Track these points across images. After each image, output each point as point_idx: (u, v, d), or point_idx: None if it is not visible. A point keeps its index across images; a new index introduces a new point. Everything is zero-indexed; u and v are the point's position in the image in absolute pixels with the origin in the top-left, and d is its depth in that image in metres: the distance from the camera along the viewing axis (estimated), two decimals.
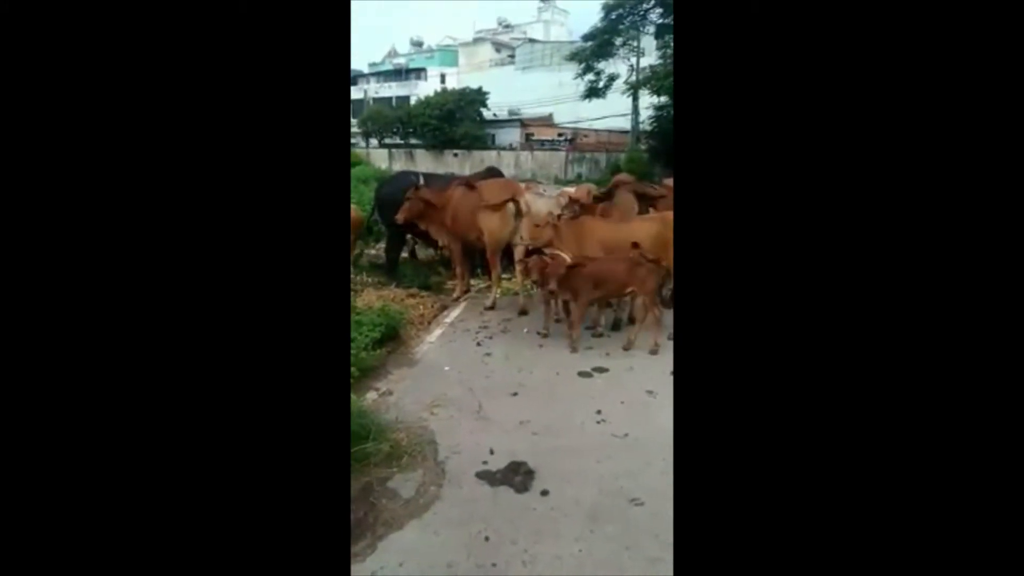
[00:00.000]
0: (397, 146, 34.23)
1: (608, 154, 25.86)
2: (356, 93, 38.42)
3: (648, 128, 23.16)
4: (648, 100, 21.81)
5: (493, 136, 32.66)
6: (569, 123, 31.19)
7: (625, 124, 24.96)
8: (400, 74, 38.71)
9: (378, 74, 40.23)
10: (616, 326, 5.23)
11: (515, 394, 3.89)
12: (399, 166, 33.21)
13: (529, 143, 30.99)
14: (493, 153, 30.80)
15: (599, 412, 3.61)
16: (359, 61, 40.99)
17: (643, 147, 23.65)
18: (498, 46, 38.49)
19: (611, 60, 22.60)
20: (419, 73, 37.98)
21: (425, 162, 32.52)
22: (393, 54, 42.27)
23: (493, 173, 7.66)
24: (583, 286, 4.44)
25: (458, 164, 31.38)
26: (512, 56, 37.05)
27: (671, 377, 4.24)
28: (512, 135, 32.45)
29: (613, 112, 25.21)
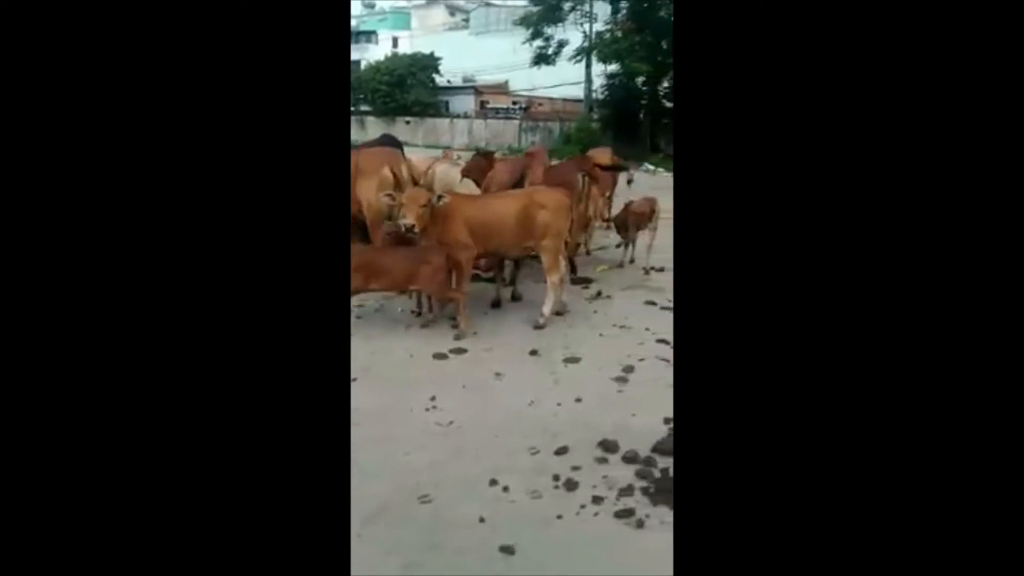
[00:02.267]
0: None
1: (562, 123, 25.46)
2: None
3: (600, 97, 22.83)
4: (601, 68, 21.43)
5: (447, 103, 31.87)
6: (525, 91, 30.59)
7: (580, 93, 24.56)
8: (351, 37, 37.34)
9: None
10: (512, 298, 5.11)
11: (355, 379, 3.67)
12: (351, 134, 32.21)
13: (483, 111, 30.34)
14: (446, 121, 30.12)
15: (433, 398, 3.42)
16: None
17: (595, 116, 23.34)
18: (452, 9, 37.33)
19: (563, 26, 22.05)
20: (369, 36, 36.63)
21: (376, 130, 31.49)
22: None
23: (387, 141, 7.30)
24: (354, 278, 4.04)
25: (410, 132, 30.55)
26: (467, 20, 35.98)
27: (527, 357, 4.10)
28: (467, 103, 31.71)
29: (568, 80, 24.77)
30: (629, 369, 3.88)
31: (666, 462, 2.81)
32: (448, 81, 32.14)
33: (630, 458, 2.84)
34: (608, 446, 2.94)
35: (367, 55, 34.05)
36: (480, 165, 6.49)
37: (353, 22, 40.19)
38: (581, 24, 22.01)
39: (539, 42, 22.22)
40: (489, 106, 30.83)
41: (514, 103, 30.63)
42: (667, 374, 3.80)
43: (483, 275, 5.48)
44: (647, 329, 4.57)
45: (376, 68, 30.99)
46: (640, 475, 2.72)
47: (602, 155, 8.53)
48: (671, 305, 5.14)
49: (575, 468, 2.77)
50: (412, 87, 30.14)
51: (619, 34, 19.78)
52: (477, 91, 31.85)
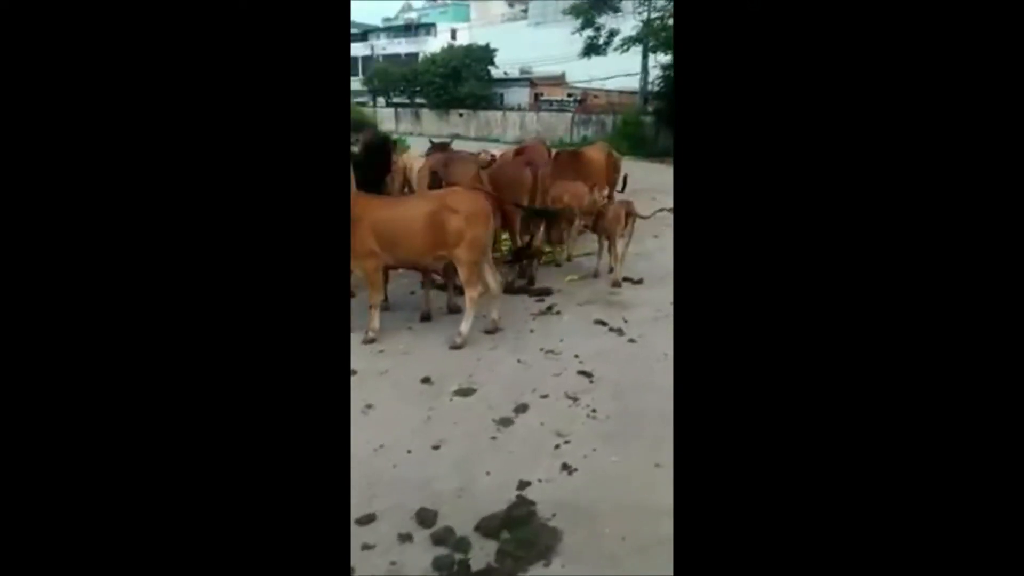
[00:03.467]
0: (403, 105, 33.38)
1: (615, 116, 24.42)
2: (365, 50, 37.52)
3: (656, 89, 21.63)
4: (658, 59, 20.24)
5: (502, 96, 31.42)
6: (581, 82, 29.64)
7: (637, 84, 23.39)
8: (410, 29, 37.46)
9: (389, 29, 39.06)
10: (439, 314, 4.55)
11: None
12: (405, 126, 32.46)
13: (537, 103, 29.69)
14: (498, 114, 29.71)
15: None
16: (374, 16, 39.89)
17: (650, 109, 22.17)
18: (512, 0, 36.71)
19: (619, 15, 20.99)
20: (429, 29, 36.63)
21: (431, 122, 31.65)
22: (407, 8, 40.92)
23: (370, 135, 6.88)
24: None
25: (463, 124, 30.42)
26: (526, 11, 35.29)
27: (417, 385, 3.55)
28: (522, 95, 31.13)
29: (625, 71, 23.68)
30: (522, 408, 3.25)
31: (484, 546, 2.20)
32: (505, 73, 31.66)
33: (439, 539, 2.25)
34: (425, 517, 2.36)
35: (425, 47, 34.12)
36: (440, 160, 5.93)
37: (414, 15, 40.50)
38: (639, 13, 20.88)
39: (590, 32, 21.27)
40: (543, 98, 30.14)
41: (569, 95, 29.74)
42: (563, 417, 3.16)
43: (437, 280, 4.97)
44: (575, 356, 3.91)
45: (432, 60, 30.95)
46: (437, 566, 2.13)
47: (596, 152, 7.80)
48: (621, 326, 4.45)
49: (366, 547, 2.21)
50: (466, 79, 29.87)
51: (671, 22, 18.57)
52: (532, 83, 31.20)
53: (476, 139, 24.20)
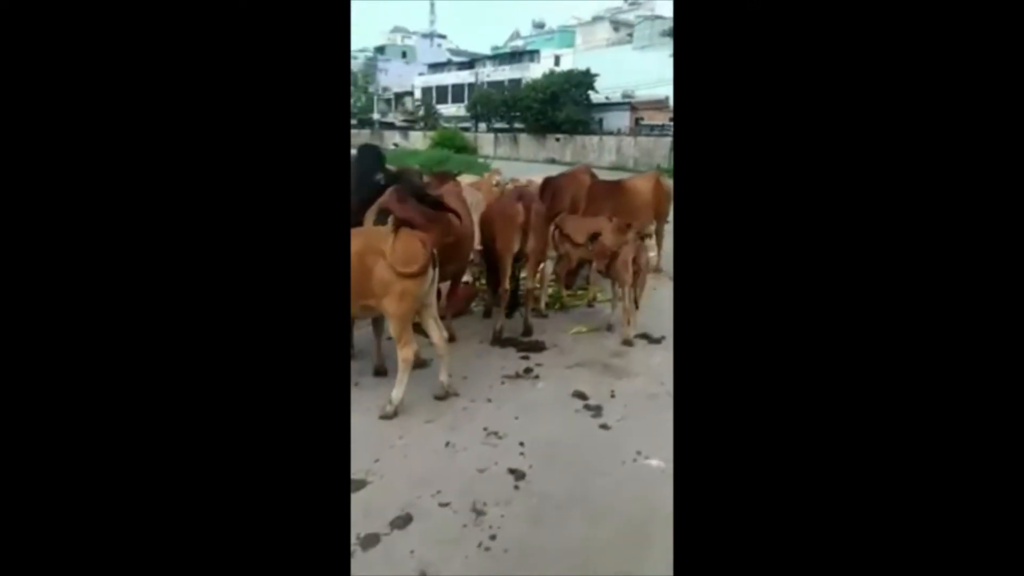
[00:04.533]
0: (503, 130, 33.61)
1: None
2: (470, 77, 38.39)
3: None
4: None
5: (601, 120, 30.67)
6: None
7: None
8: (515, 57, 37.81)
9: (494, 57, 39.72)
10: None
11: None
12: (504, 151, 32.61)
13: (637, 127, 28.60)
14: (595, 138, 28.97)
15: None
16: (483, 46, 40.88)
17: None
18: (617, 24, 35.93)
19: None
20: (533, 55, 36.76)
21: (528, 147, 31.55)
22: (515, 37, 41.49)
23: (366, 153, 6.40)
24: None
25: (559, 149, 29.99)
26: (631, 35, 34.36)
27: None
28: (622, 119, 30.20)
29: None
30: (403, 522, 2.45)
31: None
32: (606, 97, 30.96)
33: None
34: None
35: (528, 74, 34.25)
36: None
37: (520, 42, 40.98)
38: None
39: None
40: (643, 123, 29.01)
41: (671, 119, 28.36)
42: (445, 544, 2.33)
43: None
44: (520, 444, 3.05)
45: (531, 86, 30.96)
46: None
47: (643, 181, 6.79)
48: (604, 403, 3.52)
49: None
50: (564, 104, 29.50)
51: None
52: (633, 107, 30.18)
53: (571, 164, 23.60)
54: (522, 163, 25.80)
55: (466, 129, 34.84)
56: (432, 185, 5.99)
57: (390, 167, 6.36)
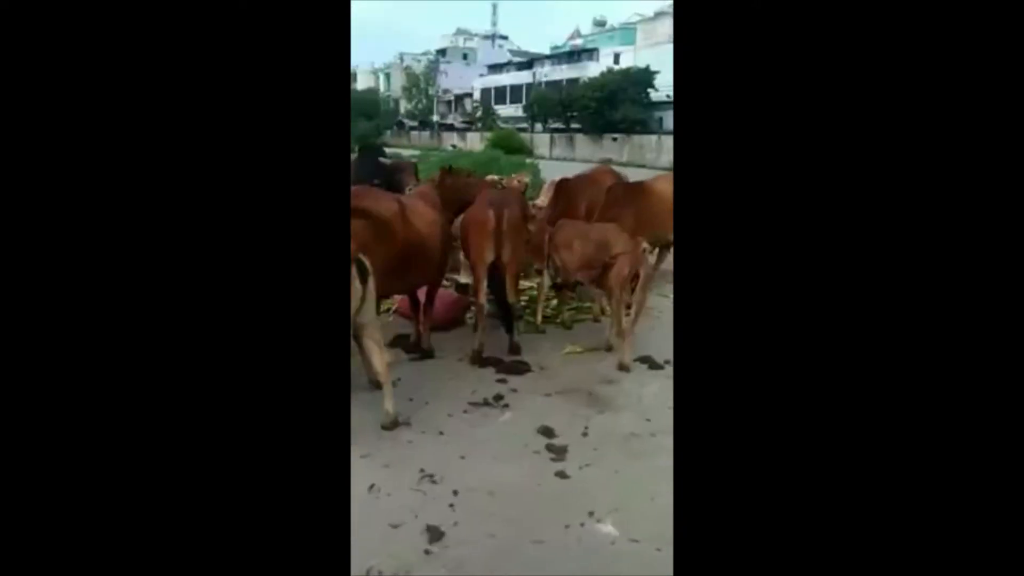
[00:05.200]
0: (559, 130, 33.04)
1: None
2: (528, 77, 37.99)
3: None
4: None
5: (661, 119, 29.56)
6: None
7: None
8: (573, 55, 37.06)
9: (552, 56, 39.10)
10: None
11: None
12: (560, 151, 32.06)
13: None
14: (654, 138, 27.95)
15: None
16: (544, 46, 40.41)
17: None
18: None
19: None
20: (592, 54, 35.90)
21: (584, 147, 30.84)
22: (575, 35, 40.74)
23: (368, 159, 6.09)
24: None
25: (616, 149, 29.14)
26: None
27: None
28: None
29: None
30: None
31: None
32: (667, 96, 29.82)
33: None
34: None
35: (586, 73, 33.50)
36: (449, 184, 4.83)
37: (579, 41, 40.18)
38: None
39: None
40: None
41: None
42: None
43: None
44: (452, 494, 2.57)
45: (588, 85, 30.22)
46: None
47: (668, 183, 6.12)
48: (572, 442, 3.00)
49: None
50: (621, 103, 28.60)
51: None
52: None
53: (627, 164, 22.77)
54: (577, 163, 25.19)
55: (523, 130, 34.50)
56: (404, 181, 5.63)
57: (385, 161, 6.05)
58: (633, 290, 3.94)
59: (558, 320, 4.85)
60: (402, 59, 50.25)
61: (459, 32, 53.95)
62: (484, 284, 3.95)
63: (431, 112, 44.08)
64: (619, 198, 5.42)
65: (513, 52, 48.92)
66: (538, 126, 35.11)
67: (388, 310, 4.84)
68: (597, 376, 3.84)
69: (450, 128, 41.83)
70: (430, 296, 4.19)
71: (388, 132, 41.12)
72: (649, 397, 3.53)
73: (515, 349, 4.17)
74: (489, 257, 3.83)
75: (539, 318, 4.70)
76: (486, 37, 53.09)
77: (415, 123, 44.36)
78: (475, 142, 32.97)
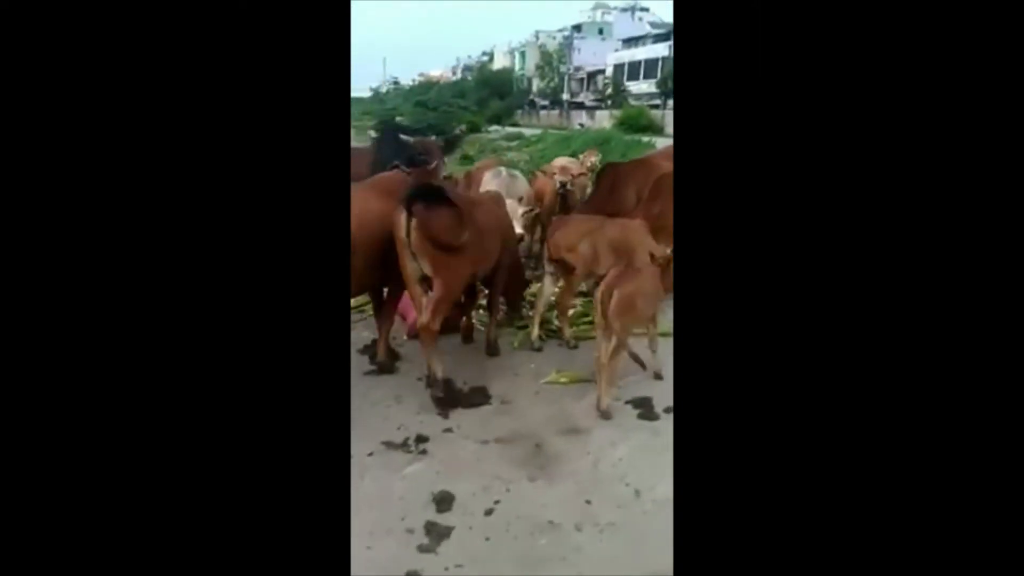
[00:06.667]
0: None
1: None
2: (664, 51, 35.57)
3: None
4: None
5: None
6: None
7: None
8: None
9: None
10: None
11: None
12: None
13: None
14: None
15: None
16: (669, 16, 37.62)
17: None
18: None
19: None
20: None
21: None
22: None
23: (388, 141, 5.45)
24: None
25: None
26: None
27: None
28: None
29: None
30: None
31: None
32: None
33: None
34: None
35: None
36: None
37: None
38: None
39: None
40: None
41: None
42: None
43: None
44: (368, 550, 1.91)
45: None
46: None
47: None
48: (457, 527, 2.22)
49: None
50: None
51: None
52: None
53: None
54: None
55: (656, 107, 32.40)
56: (429, 160, 5.04)
57: (407, 139, 5.46)
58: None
59: (571, 333, 3.92)
60: (537, 36, 49.61)
61: (597, 5, 52.02)
62: (423, 302, 3.18)
63: (562, 90, 43.11)
64: (664, 190, 4.34)
65: (653, 24, 46.16)
66: (671, 102, 32.83)
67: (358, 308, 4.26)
68: (564, 419, 2.96)
69: (580, 106, 40.64)
70: (390, 299, 3.55)
71: (519, 112, 40.92)
72: (615, 462, 2.60)
73: (491, 348, 3.68)
74: (409, 273, 3.06)
75: (535, 332, 3.85)
76: (624, 10, 50.63)
77: (546, 102, 43.70)
78: (604, 120, 31.55)
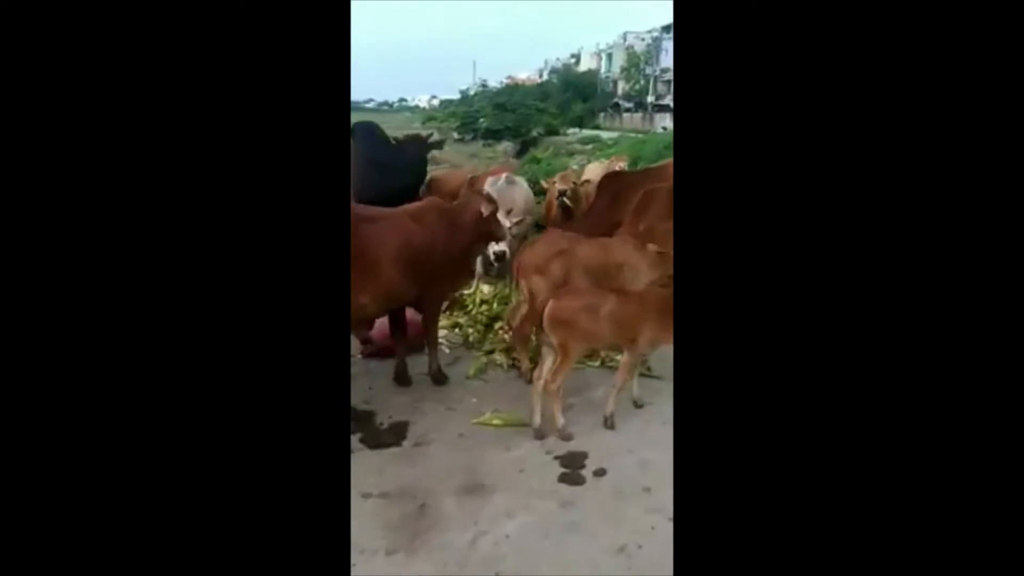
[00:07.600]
0: None
1: None
2: None
3: None
4: None
5: None
6: None
7: None
8: None
9: None
10: None
11: None
12: None
13: None
14: None
15: None
16: None
17: None
18: None
19: None
20: None
21: None
22: None
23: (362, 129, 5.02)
24: None
25: None
26: None
27: None
28: None
29: None
30: None
31: None
32: None
33: None
34: None
35: None
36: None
37: None
38: None
39: None
40: None
41: None
42: None
43: None
44: None
45: None
46: None
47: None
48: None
49: None
50: None
51: None
52: None
53: None
54: None
55: None
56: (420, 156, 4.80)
57: (395, 137, 5.14)
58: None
59: (528, 366, 3.43)
60: (625, 38, 48.44)
61: None
62: (364, 321, 2.84)
63: (647, 92, 41.79)
64: (651, 206, 3.75)
65: None
66: None
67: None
68: (471, 474, 2.49)
69: (665, 109, 39.21)
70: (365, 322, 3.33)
71: (602, 115, 40.09)
72: (499, 539, 2.11)
73: (436, 376, 3.33)
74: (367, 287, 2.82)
75: (524, 365, 3.38)
76: None
77: (630, 104, 42.56)
78: None
